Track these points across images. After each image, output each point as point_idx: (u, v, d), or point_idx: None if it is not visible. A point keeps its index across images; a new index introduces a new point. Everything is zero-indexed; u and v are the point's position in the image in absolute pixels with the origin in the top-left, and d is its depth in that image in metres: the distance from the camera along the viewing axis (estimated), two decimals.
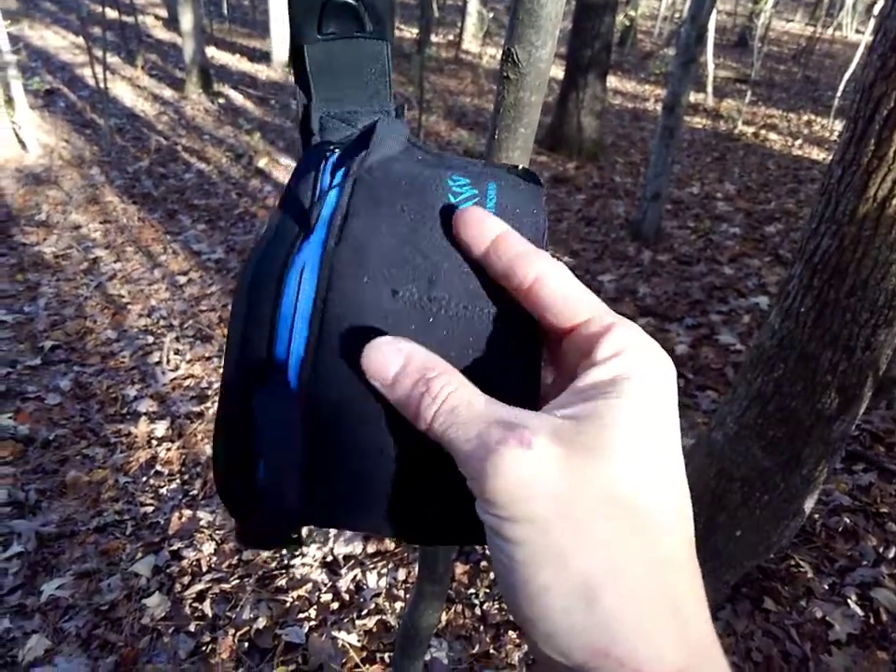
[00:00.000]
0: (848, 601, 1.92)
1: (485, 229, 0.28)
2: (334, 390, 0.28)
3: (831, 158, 1.54)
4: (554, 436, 0.23)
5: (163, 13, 13.89)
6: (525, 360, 0.29)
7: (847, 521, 2.20)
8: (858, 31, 15.82)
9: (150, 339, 3.52)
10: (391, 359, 0.26)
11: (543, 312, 0.28)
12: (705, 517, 1.79)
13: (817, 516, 2.21)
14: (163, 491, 2.50)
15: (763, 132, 7.63)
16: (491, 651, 1.85)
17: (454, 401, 0.25)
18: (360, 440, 0.28)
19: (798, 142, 7.21)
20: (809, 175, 6.01)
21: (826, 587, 1.98)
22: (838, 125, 7.50)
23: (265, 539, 0.33)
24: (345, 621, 1.95)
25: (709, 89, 9.06)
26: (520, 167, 0.34)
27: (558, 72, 7.17)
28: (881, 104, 1.37)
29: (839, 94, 7.65)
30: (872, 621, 1.87)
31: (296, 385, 0.28)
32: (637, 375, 0.25)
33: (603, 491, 0.23)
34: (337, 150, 0.33)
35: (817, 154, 6.74)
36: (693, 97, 8.77)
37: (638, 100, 9.42)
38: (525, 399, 0.27)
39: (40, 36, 11.23)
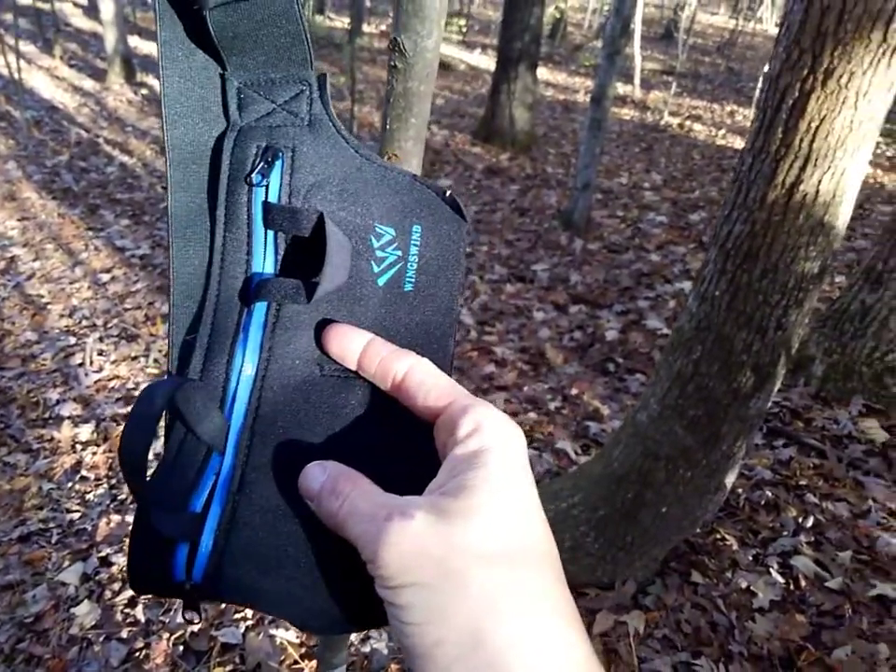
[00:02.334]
0: (770, 570, 2.01)
1: (352, 343, 0.33)
2: (262, 494, 0.33)
3: None
4: (432, 508, 0.27)
5: (83, 1, 13.32)
6: (425, 447, 0.33)
7: (769, 494, 2.30)
8: (777, 24, 16.43)
9: (73, 340, 3.39)
10: (317, 476, 0.31)
11: (413, 401, 0.33)
12: (632, 495, 1.84)
13: (740, 490, 2.31)
14: (90, 496, 2.41)
15: (688, 122, 7.86)
16: None
17: (354, 497, 0.29)
18: (279, 534, 0.32)
19: (721, 132, 7.46)
20: (732, 164, 6.23)
21: (750, 558, 2.07)
22: None
23: (159, 584, 0.33)
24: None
25: (637, 81, 9.27)
26: (447, 193, 0.36)
27: (491, 63, 7.20)
28: (787, 94, 1.43)
29: (759, 85, 7.94)
30: (792, 587, 1.97)
31: (231, 461, 0.33)
32: (492, 446, 0.29)
33: (476, 547, 0.27)
34: (261, 178, 0.33)
35: (739, 143, 6.98)
36: (621, 89, 8.97)
37: (569, 91, 9.56)
38: (428, 476, 0.31)
39: None
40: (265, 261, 0.34)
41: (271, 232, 0.34)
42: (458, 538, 0.26)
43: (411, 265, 0.35)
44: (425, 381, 0.32)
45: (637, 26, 8.79)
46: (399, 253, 0.35)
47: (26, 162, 5.80)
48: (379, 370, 0.33)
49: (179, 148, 0.34)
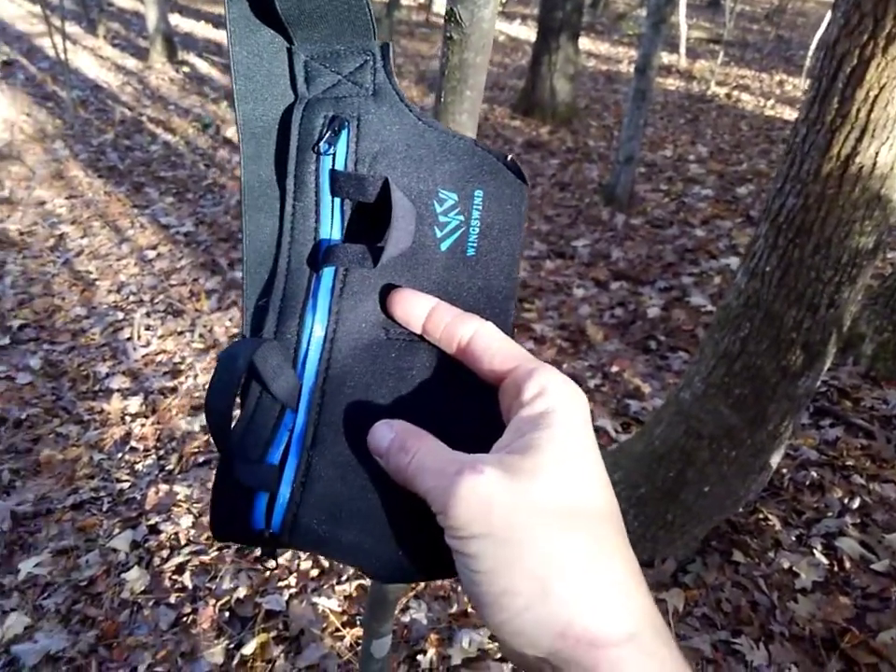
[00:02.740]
0: (814, 551, 1.98)
1: (416, 308, 0.34)
2: (336, 447, 0.34)
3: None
4: (499, 465, 0.29)
5: None
6: (488, 409, 0.34)
7: (814, 474, 2.25)
8: None
9: (120, 315, 3.47)
10: (385, 434, 0.33)
11: (479, 365, 0.34)
12: (674, 474, 1.83)
13: (785, 471, 2.27)
14: (139, 467, 2.49)
15: (735, 92, 7.62)
16: (469, 610, 1.89)
17: (423, 453, 0.31)
18: (352, 487, 0.34)
19: (770, 102, 7.21)
20: (781, 136, 6.03)
21: (793, 538, 2.04)
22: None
23: (239, 532, 0.35)
24: (325, 587, 1.97)
25: (682, 50, 9.00)
26: (509, 157, 0.36)
27: (531, 34, 7.07)
28: (844, 61, 1.37)
29: (811, 53, 7.65)
30: (836, 569, 1.94)
31: (304, 418, 0.34)
32: (557, 408, 0.31)
33: (542, 503, 0.28)
34: (328, 147, 0.34)
35: (789, 114, 6.75)
36: (666, 59, 8.73)
37: (612, 62, 9.35)
38: (492, 437, 0.32)
39: None
40: (332, 228, 0.35)
41: (338, 200, 0.35)
42: (525, 493, 0.28)
43: (473, 230, 0.36)
44: (490, 345, 0.34)
45: None
46: (462, 218, 0.35)
47: (73, 141, 5.92)
48: (444, 334, 0.34)
49: (250, 123, 0.35)
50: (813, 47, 7.56)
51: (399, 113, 0.35)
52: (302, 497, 0.34)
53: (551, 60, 6.26)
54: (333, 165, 0.34)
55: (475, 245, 0.36)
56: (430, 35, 10.42)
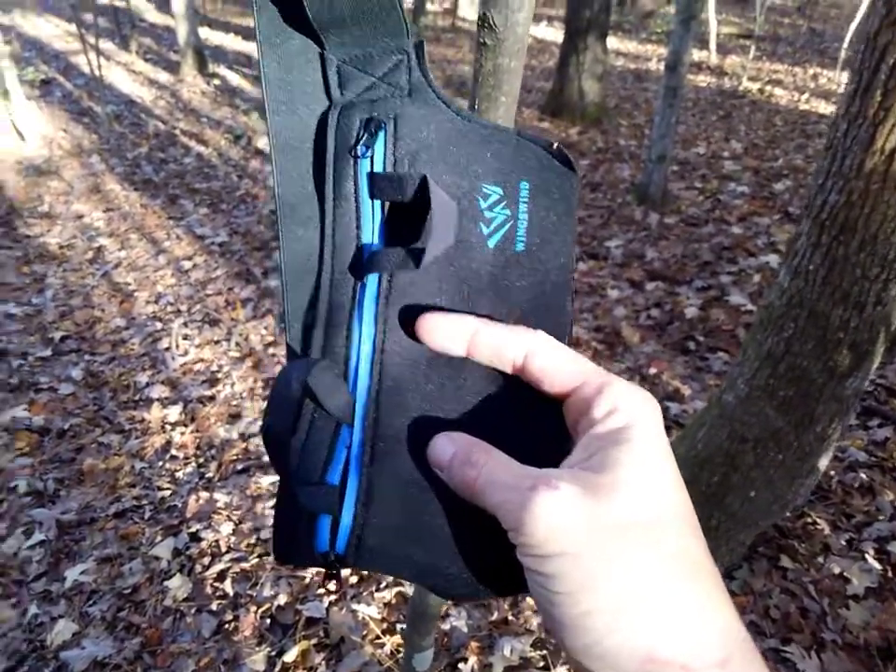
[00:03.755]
0: (866, 556, 1.92)
1: (455, 335, 0.32)
2: (394, 462, 0.33)
3: (836, 111, 1.50)
4: (575, 481, 0.28)
5: None
6: (551, 424, 0.33)
7: (864, 476, 2.19)
8: None
9: (159, 325, 3.53)
10: (447, 447, 0.32)
11: (540, 385, 0.32)
12: (718, 479, 1.79)
13: (833, 473, 2.21)
14: (179, 475, 2.52)
15: (768, 87, 7.48)
16: (509, 617, 1.87)
17: (491, 466, 0.30)
18: (415, 504, 0.33)
19: (804, 96, 7.07)
20: (817, 130, 5.90)
21: (843, 543, 1.98)
22: (845, 77, 7.34)
23: (303, 556, 0.35)
24: (365, 594, 1.97)
25: (712, 46, 8.88)
26: (555, 146, 0.35)
27: (557, 35, 7.04)
28: (887, 52, 1.33)
29: (845, 45, 7.47)
30: (889, 574, 1.87)
31: (361, 435, 0.33)
32: (632, 424, 0.29)
33: (623, 520, 0.27)
34: (366, 150, 0.33)
35: (824, 108, 6.61)
36: (696, 55, 8.61)
37: (641, 60, 9.26)
38: (555, 453, 0.31)
39: (33, 26, 11.15)
40: (374, 234, 0.34)
41: (377, 203, 0.34)
42: (605, 510, 0.27)
43: (521, 223, 0.34)
44: (547, 364, 0.32)
45: None
46: (508, 212, 0.34)
47: (108, 155, 6.05)
48: (494, 359, 0.32)
49: (283, 133, 0.34)
50: (848, 38, 7.38)
51: (437, 110, 0.34)
52: (366, 518, 0.33)
53: (578, 60, 6.22)
54: (372, 168, 0.33)
55: (524, 239, 0.34)
56: (456, 39, 10.44)
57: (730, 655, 0.26)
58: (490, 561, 0.32)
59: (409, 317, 0.33)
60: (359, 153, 0.33)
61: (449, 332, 0.32)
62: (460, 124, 0.34)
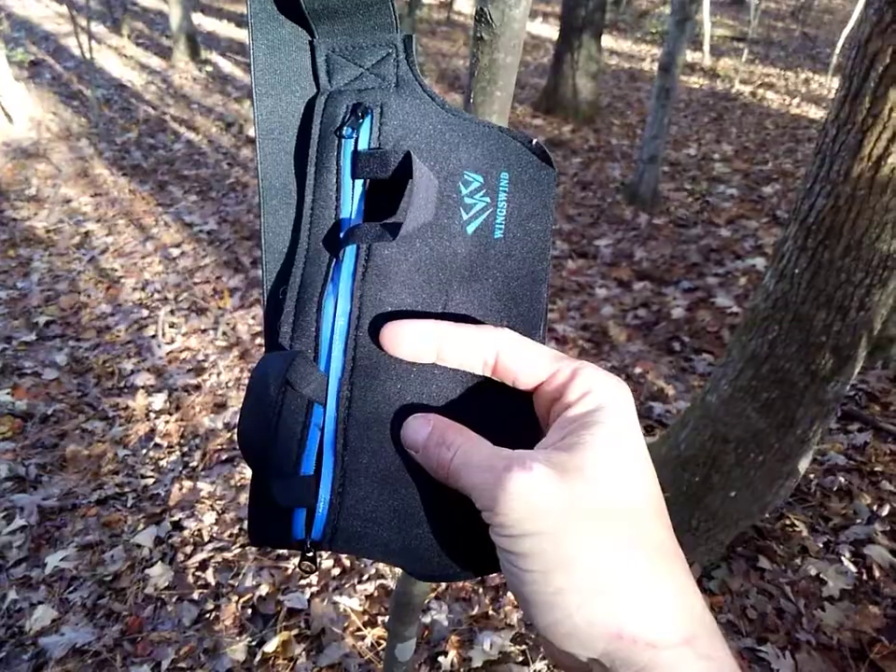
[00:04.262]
0: (842, 558, 1.95)
1: (422, 345, 0.32)
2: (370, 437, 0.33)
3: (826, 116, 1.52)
4: (549, 462, 0.28)
5: None
6: (522, 410, 0.34)
7: (842, 480, 2.22)
8: None
9: (145, 312, 3.51)
10: (421, 428, 0.32)
11: (512, 380, 0.33)
12: (699, 478, 1.81)
13: (812, 476, 2.23)
14: (163, 463, 2.51)
15: (760, 90, 7.53)
16: (490, 612, 1.89)
17: (466, 448, 0.30)
18: (389, 486, 0.33)
19: (796, 100, 7.12)
20: (807, 135, 5.94)
21: (820, 545, 2.01)
22: (836, 82, 7.38)
23: (279, 541, 0.35)
24: (347, 586, 1.98)
25: (706, 48, 8.91)
26: (534, 141, 0.36)
27: (553, 32, 7.04)
28: (877, 60, 1.34)
29: (837, 51, 7.52)
30: (865, 577, 1.90)
31: (334, 414, 0.33)
32: (604, 406, 0.30)
33: (594, 500, 0.27)
34: (350, 132, 0.34)
35: (815, 113, 6.66)
36: (690, 56, 8.64)
37: (635, 60, 9.27)
38: (527, 438, 0.32)
39: (22, 6, 10.99)
40: (353, 212, 0.34)
41: (359, 183, 0.34)
42: (576, 490, 0.27)
43: (500, 211, 0.35)
44: (516, 360, 0.32)
45: None
46: (488, 200, 0.35)
47: (97, 140, 5.99)
48: (464, 365, 0.33)
49: (269, 118, 0.35)
50: (840, 44, 7.43)
51: (423, 102, 0.35)
52: (341, 504, 0.33)
53: (573, 58, 6.22)
54: (356, 148, 0.34)
55: (503, 226, 0.35)
56: (451, 33, 10.40)
57: (694, 634, 0.27)
58: (464, 542, 0.33)
59: (385, 294, 0.33)
60: (345, 134, 0.34)
61: (415, 342, 0.32)
62: (445, 116, 0.35)
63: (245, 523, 2.22)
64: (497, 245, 0.35)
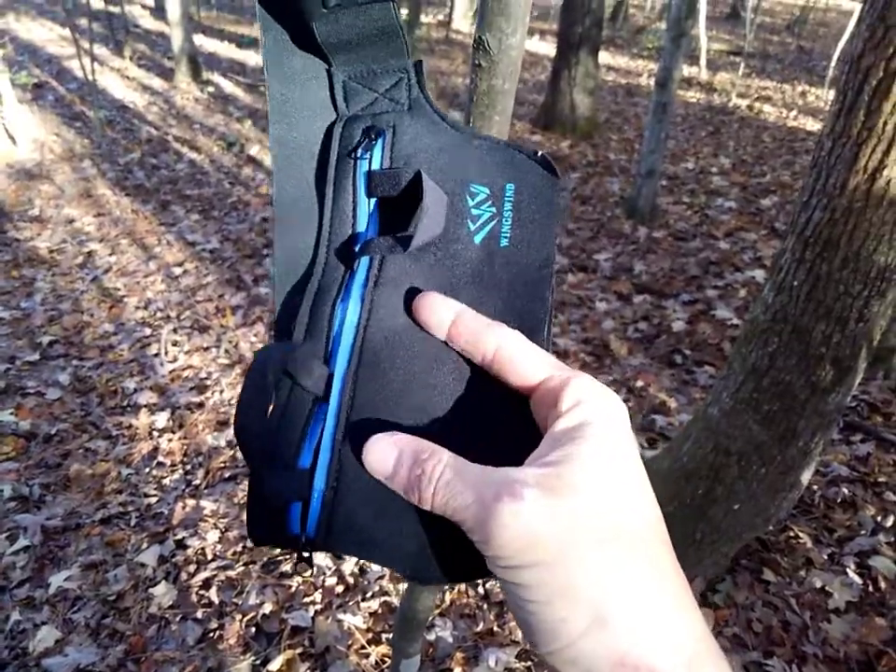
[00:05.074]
0: (847, 570, 1.94)
1: (441, 314, 0.33)
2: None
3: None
4: (540, 484, 0.27)
5: (150, 2, 13.76)
6: (519, 417, 0.33)
7: (846, 491, 2.21)
8: None
9: (148, 331, 3.53)
10: (387, 454, 0.30)
11: (507, 376, 0.32)
12: (702, 491, 1.80)
13: (815, 487, 2.23)
14: (166, 481, 2.51)
15: (757, 104, 7.58)
16: (495, 628, 1.88)
17: (447, 476, 0.28)
18: (382, 485, 0.32)
19: (793, 113, 7.17)
20: (804, 147, 5.98)
21: (825, 557, 2.00)
22: (832, 95, 7.43)
23: (276, 538, 0.35)
24: (350, 604, 1.97)
25: (703, 62, 8.99)
26: (539, 154, 0.37)
27: (550, 49, 7.11)
28: (870, 74, 1.36)
29: (833, 64, 7.59)
30: (870, 588, 1.90)
31: (336, 409, 0.33)
32: (596, 419, 0.29)
33: (589, 523, 0.26)
34: (364, 154, 0.36)
35: (812, 125, 6.70)
36: (687, 71, 8.72)
37: (632, 75, 9.35)
38: (524, 446, 0.31)
39: (26, 29, 11.13)
40: (367, 227, 0.36)
41: (373, 201, 0.36)
42: (570, 513, 0.26)
43: (506, 221, 0.36)
44: (516, 356, 0.32)
45: (703, 6, 8.49)
46: (494, 210, 0.36)
47: (100, 160, 6.04)
48: (469, 344, 0.33)
49: (285, 144, 0.37)
50: (835, 57, 7.49)
51: (434, 123, 0.37)
52: (336, 499, 0.33)
53: (570, 74, 6.28)
54: (370, 167, 0.36)
55: (508, 235, 0.36)
56: (450, 52, 10.50)
57: (697, 655, 0.26)
58: (457, 546, 0.32)
59: (395, 299, 0.34)
60: (359, 155, 0.36)
61: (439, 308, 0.33)
62: (453, 135, 0.37)
63: (250, 541, 2.22)
64: (502, 252, 0.36)
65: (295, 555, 0.34)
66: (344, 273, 0.35)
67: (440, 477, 0.28)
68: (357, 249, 0.36)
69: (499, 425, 0.34)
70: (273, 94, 0.37)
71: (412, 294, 0.34)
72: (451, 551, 0.33)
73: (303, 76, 0.37)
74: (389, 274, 0.34)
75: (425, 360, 0.34)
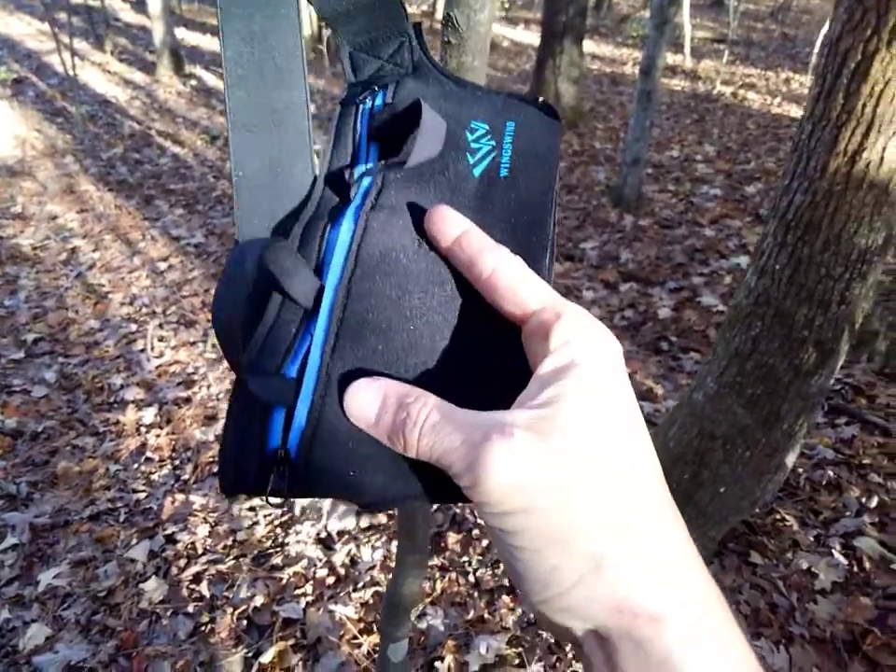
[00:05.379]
0: (833, 551, 1.97)
1: (451, 226, 0.31)
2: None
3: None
4: (530, 426, 0.25)
5: None
6: (510, 352, 0.32)
7: (831, 473, 2.24)
8: None
9: (134, 327, 3.51)
10: (371, 400, 0.29)
11: (501, 301, 0.30)
12: (688, 476, 1.82)
13: (801, 470, 2.25)
14: (155, 477, 2.51)
15: (741, 91, 7.60)
16: (486, 615, 1.89)
17: (434, 418, 0.27)
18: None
19: (777, 100, 7.19)
20: (788, 133, 6.00)
21: (811, 539, 2.02)
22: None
23: (251, 477, 0.32)
24: (342, 594, 1.98)
25: (687, 50, 8.99)
26: (540, 100, 0.38)
27: (535, 38, 7.09)
28: (848, 57, 1.37)
29: (816, 50, 7.60)
30: (855, 569, 1.92)
31: (327, 321, 0.32)
32: (587, 357, 0.27)
33: (583, 466, 0.25)
34: (366, 101, 0.36)
35: (795, 112, 6.72)
36: (671, 59, 8.72)
37: (616, 64, 9.35)
38: (514, 383, 0.30)
39: (4, 24, 10.98)
40: (367, 165, 0.36)
41: (374, 146, 0.36)
42: (566, 456, 0.25)
43: (505, 153, 0.36)
44: (511, 279, 0.30)
45: None
46: (493, 143, 0.36)
47: (83, 156, 5.98)
48: (468, 259, 0.31)
49: (239, 111, 0.36)
50: (818, 44, 7.50)
51: (437, 79, 0.38)
52: (321, 412, 0.31)
53: (555, 63, 6.27)
54: (372, 108, 0.36)
55: (508, 166, 0.36)
56: (434, 40, 10.45)
57: (698, 602, 0.25)
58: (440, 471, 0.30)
59: (393, 220, 0.33)
60: (360, 101, 0.36)
61: (450, 220, 0.32)
62: (457, 87, 0.38)
63: (240, 535, 2.22)
64: (502, 183, 0.36)
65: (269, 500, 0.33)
66: (339, 204, 0.35)
67: (426, 420, 0.27)
68: (355, 179, 0.35)
69: (489, 360, 0.32)
70: (228, 56, 0.34)
71: (414, 212, 0.33)
72: (434, 475, 0.30)
73: (260, 39, 0.35)
74: (384, 200, 0.34)
75: (422, 280, 0.33)
